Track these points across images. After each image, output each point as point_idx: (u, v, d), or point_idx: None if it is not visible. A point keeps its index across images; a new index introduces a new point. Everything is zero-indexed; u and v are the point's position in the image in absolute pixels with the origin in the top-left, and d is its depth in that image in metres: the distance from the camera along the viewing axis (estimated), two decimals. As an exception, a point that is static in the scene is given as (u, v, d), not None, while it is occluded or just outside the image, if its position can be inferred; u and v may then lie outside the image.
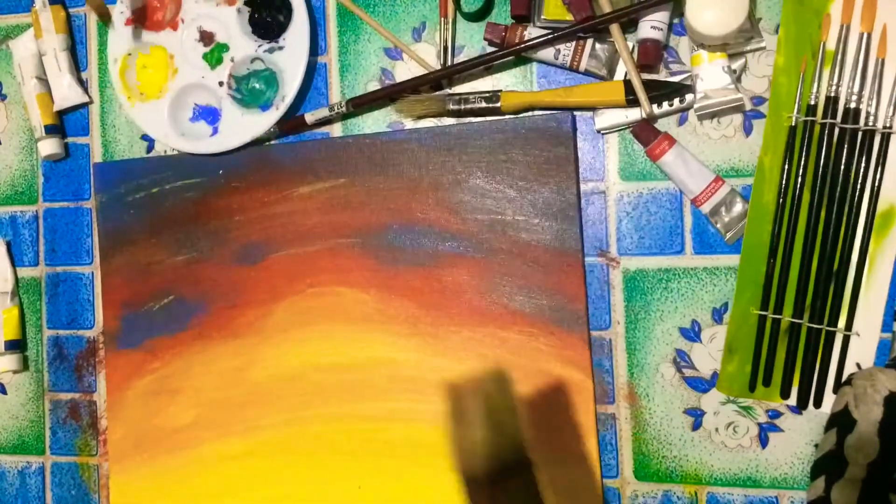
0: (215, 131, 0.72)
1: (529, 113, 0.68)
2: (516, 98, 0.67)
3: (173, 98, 0.72)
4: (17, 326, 0.78)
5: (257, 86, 0.72)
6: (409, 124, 0.71)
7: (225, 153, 0.72)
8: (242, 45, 0.71)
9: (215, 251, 0.73)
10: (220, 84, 0.71)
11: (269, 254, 0.72)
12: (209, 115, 0.73)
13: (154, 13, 0.74)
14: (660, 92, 0.64)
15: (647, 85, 0.64)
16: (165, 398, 0.74)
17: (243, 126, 0.71)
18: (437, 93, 0.69)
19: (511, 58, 0.67)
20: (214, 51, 0.72)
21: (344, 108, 0.70)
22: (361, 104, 0.70)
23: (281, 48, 0.70)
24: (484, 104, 0.68)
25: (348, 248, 0.70)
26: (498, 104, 0.67)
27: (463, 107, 0.68)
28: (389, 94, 0.69)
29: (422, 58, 0.69)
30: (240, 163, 0.73)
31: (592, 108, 0.67)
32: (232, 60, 0.71)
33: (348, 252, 0.70)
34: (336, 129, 0.72)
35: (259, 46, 0.71)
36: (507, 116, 0.68)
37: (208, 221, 0.73)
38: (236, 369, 0.72)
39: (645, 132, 0.65)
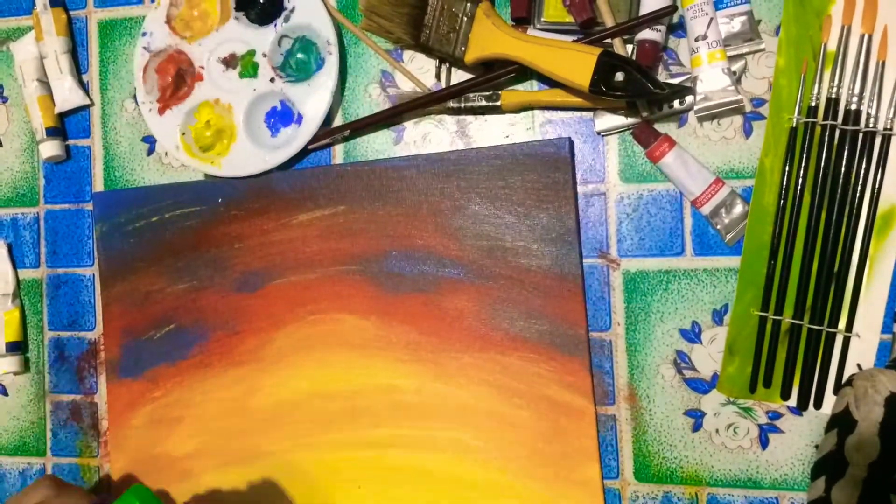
0: (299, 120, 0.71)
1: (527, 139, 0.68)
2: (516, 97, 0.67)
3: (246, 129, 0.71)
4: (18, 328, 0.78)
5: (300, 56, 0.71)
6: (408, 123, 0.71)
7: (228, 180, 0.73)
8: (261, 38, 0.71)
9: (216, 279, 0.73)
10: (272, 80, 0.71)
11: (269, 281, 0.72)
12: (283, 117, 0.72)
13: (177, 85, 0.73)
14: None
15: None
16: (167, 427, 0.73)
17: (318, 95, 0.70)
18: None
19: (513, 75, 0.67)
20: (244, 63, 0.71)
21: (347, 133, 0.70)
22: (360, 127, 0.70)
23: (293, 10, 0.70)
24: (484, 102, 0.68)
25: (348, 274, 0.70)
26: (498, 103, 0.67)
27: (463, 105, 0.68)
28: (388, 117, 0.70)
29: (416, 77, 0.69)
30: (239, 191, 0.72)
31: (592, 110, 0.66)
32: (264, 56, 0.71)
33: (348, 279, 0.70)
34: (339, 147, 0.72)
35: (275, 26, 0.71)
36: (504, 143, 0.68)
37: (208, 249, 0.73)
38: (237, 397, 0.72)
39: (645, 134, 0.64)
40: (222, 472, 0.72)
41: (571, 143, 0.67)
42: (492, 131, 0.69)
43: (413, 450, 0.68)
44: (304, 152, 0.72)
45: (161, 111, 0.73)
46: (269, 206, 0.72)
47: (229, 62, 0.72)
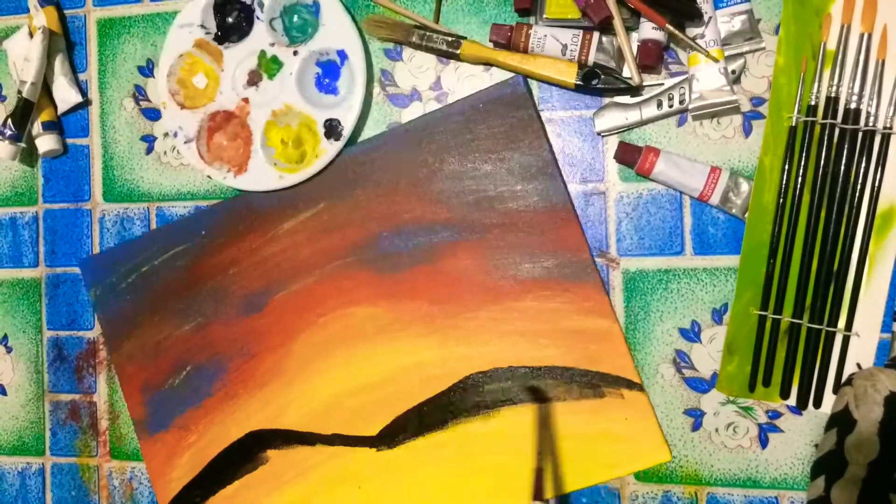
0: (343, 57, 0.69)
1: (481, 87, 0.67)
2: (476, 50, 0.67)
3: (316, 110, 0.69)
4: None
5: (296, 20, 0.71)
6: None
7: (207, 212, 0.72)
8: (257, 39, 0.70)
9: (219, 310, 0.72)
10: (296, 54, 0.70)
11: (271, 297, 0.71)
12: (329, 72, 0.71)
13: (232, 139, 0.72)
14: (612, 86, 0.64)
15: (601, 76, 0.64)
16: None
17: (336, 24, 0.69)
18: (406, 22, 0.69)
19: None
20: (265, 66, 0.71)
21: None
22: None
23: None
24: (445, 47, 0.68)
25: (346, 267, 0.70)
26: (458, 51, 0.67)
27: (425, 43, 0.68)
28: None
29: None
30: (220, 218, 0.72)
31: (549, 81, 0.66)
32: (272, 45, 0.70)
33: (347, 272, 0.70)
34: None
35: (258, 20, 0.70)
36: (461, 97, 0.68)
37: (205, 283, 0.72)
38: (271, 418, 0.71)
39: (628, 153, 0.64)
40: (277, 495, 0.71)
41: (525, 79, 0.66)
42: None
43: (455, 418, 0.68)
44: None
45: (245, 170, 0.71)
46: (252, 225, 0.72)
47: (254, 79, 0.71)
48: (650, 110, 0.65)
